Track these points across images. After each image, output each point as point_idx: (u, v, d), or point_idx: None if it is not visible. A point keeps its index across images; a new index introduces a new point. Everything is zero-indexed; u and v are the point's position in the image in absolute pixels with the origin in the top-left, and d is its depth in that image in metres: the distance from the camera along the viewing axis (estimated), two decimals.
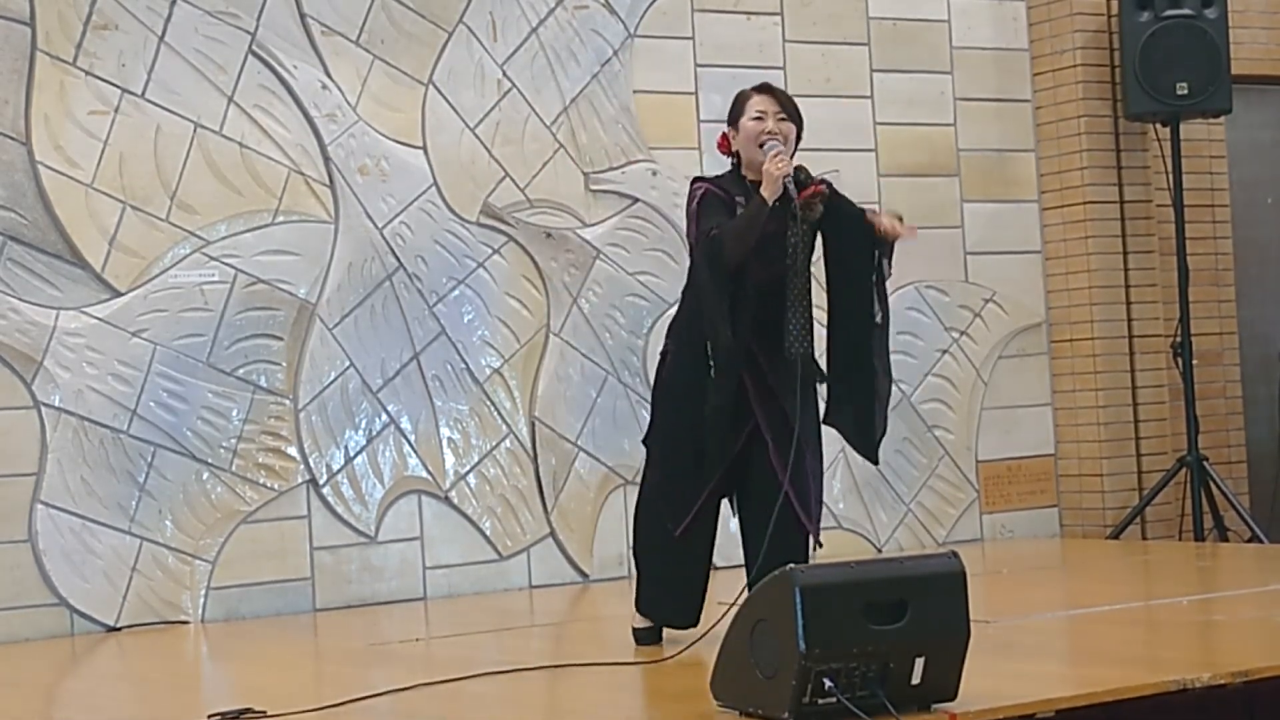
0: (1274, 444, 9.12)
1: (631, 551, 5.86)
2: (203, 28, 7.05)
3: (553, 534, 7.54)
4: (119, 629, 6.78)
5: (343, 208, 7.26)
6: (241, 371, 7.04)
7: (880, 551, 8.14)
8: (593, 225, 7.70)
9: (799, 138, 5.64)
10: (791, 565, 4.18)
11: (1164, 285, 8.63)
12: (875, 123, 8.36)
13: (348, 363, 7.22)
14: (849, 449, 8.11)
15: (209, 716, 4.60)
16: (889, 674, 4.13)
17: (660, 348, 5.75)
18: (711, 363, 5.45)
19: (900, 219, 5.51)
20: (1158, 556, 7.83)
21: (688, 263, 5.69)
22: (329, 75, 7.26)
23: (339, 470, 7.19)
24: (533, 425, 7.54)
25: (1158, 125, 8.54)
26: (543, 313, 7.59)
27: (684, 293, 5.70)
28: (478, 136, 7.51)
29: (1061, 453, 8.66)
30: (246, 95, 7.12)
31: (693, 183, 5.64)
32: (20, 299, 6.73)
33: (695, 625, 5.57)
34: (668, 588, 5.60)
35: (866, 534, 8.20)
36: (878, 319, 5.55)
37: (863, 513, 8.18)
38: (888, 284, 5.58)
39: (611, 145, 7.77)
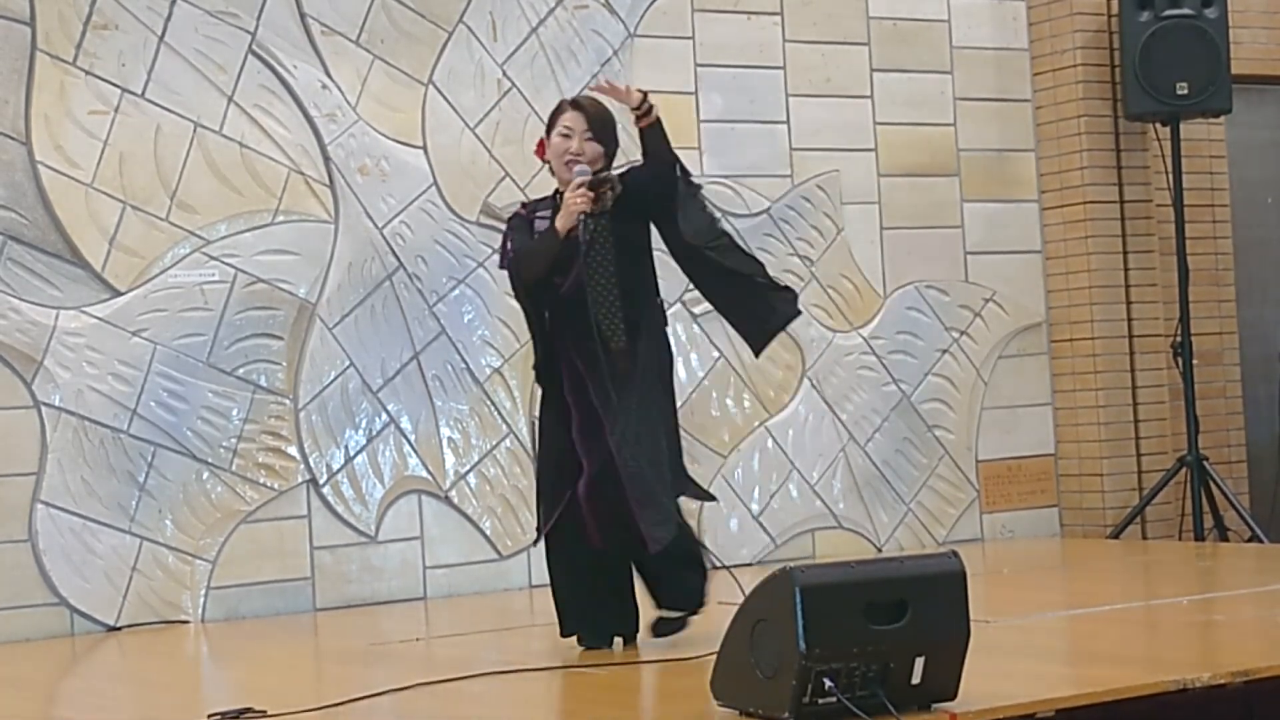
0: (1274, 444, 9.12)
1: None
2: (203, 28, 7.05)
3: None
4: (119, 629, 6.78)
5: (343, 207, 7.26)
6: (241, 371, 7.04)
7: (880, 551, 8.14)
8: None
9: (611, 157, 5.62)
10: (790, 565, 4.17)
11: (1164, 285, 8.63)
12: (875, 123, 8.36)
13: (348, 362, 7.22)
14: (849, 450, 8.16)
15: (209, 716, 4.60)
16: (889, 674, 4.13)
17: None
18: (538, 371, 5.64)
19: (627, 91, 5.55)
20: (1158, 556, 7.83)
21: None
22: (329, 75, 7.26)
23: (339, 470, 7.19)
24: (533, 425, 7.54)
25: (1158, 125, 8.54)
26: None
27: None
28: (478, 136, 7.51)
29: (1061, 452, 8.66)
30: (246, 95, 7.12)
31: None
32: (20, 299, 6.73)
33: (636, 632, 5.59)
34: (574, 604, 5.63)
35: (866, 534, 8.20)
36: (703, 240, 5.60)
37: (863, 513, 8.18)
38: (697, 193, 5.63)
39: None
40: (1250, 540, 8.21)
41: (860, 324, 8.26)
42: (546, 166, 5.71)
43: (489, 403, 7.45)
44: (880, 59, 8.38)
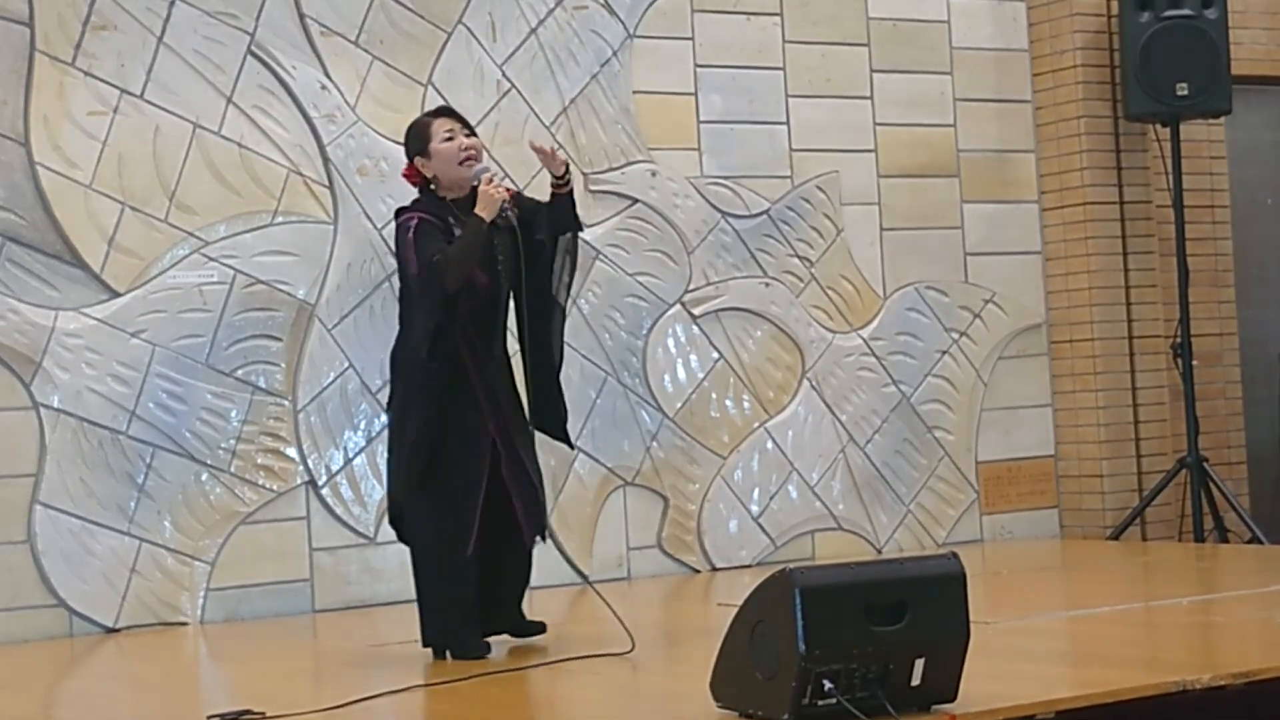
0: (1274, 445, 9.12)
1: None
2: (201, 28, 7.05)
3: (552, 534, 7.52)
4: (118, 630, 6.77)
5: (342, 208, 7.25)
6: (240, 372, 7.04)
7: (880, 553, 8.13)
8: (592, 226, 7.67)
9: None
10: (790, 566, 4.17)
11: (1164, 286, 8.63)
12: (875, 123, 8.35)
13: (347, 364, 7.22)
14: (848, 451, 8.15)
15: (208, 718, 4.60)
16: (889, 675, 4.13)
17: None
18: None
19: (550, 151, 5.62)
20: (1158, 557, 7.82)
21: (401, 291, 5.66)
22: (328, 76, 7.25)
23: (338, 471, 7.18)
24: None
25: (1158, 126, 8.53)
26: None
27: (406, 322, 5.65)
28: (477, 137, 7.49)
29: (1061, 454, 8.66)
30: (245, 96, 7.11)
31: (398, 214, 5.62)
32: (19, 299, 6.73)
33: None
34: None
35: (866, 535, 8.19)
36: (561, 301, 5.70)
37: (862, 514, 8.18)
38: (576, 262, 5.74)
39: (611, 146, 7.76)
40: (1250, 541, 8.20)
41: (860, 325, 8.25)
42: (420, 185, 5.66)
43: None
44: (880, 59, 8.38)
